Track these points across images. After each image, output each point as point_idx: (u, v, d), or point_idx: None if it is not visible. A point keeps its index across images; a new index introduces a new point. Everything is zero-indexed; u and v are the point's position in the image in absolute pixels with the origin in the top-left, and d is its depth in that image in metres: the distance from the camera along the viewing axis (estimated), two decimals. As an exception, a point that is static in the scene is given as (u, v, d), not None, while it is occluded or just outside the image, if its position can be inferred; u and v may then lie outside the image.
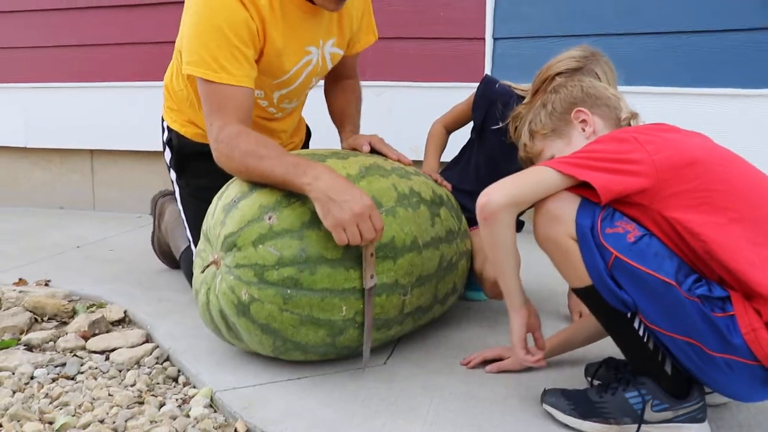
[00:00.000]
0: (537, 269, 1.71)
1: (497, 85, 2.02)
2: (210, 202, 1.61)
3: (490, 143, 2.00)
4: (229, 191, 1.54)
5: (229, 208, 1.49)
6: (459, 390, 1.50)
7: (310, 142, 2.35)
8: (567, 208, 1.31)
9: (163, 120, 2.17)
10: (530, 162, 1.58)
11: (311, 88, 2.04)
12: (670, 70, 2.72)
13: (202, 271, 1.53)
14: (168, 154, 2.16)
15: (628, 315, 1.30)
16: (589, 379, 1.53)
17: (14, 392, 1.49)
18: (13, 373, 1.59)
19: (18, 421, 1.35)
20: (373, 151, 1.80)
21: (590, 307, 1.36)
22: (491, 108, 1.98)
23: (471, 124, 2.13)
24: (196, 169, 2.05)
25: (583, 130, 1.51)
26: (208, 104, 1.66)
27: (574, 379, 1.55)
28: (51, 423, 1.37)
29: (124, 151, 3.62)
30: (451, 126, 2.16)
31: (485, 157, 2.03)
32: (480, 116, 2.02)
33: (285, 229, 1.44)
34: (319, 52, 1.87)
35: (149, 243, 2.50)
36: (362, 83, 2.20)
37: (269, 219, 1.44)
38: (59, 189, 3.80)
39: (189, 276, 1.96)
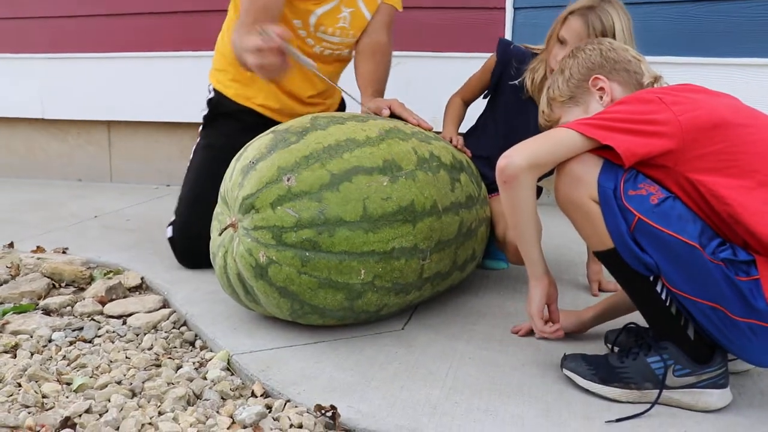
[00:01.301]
0: (556, 241, 1.69)
1: (512, 46, 2.01)
2: (217, 158, 1.78)
3: (506, 101, 1.99)
4: (248, 153, 1.51)
5: (247, 170, 1.47)
6: (478, 355, 1.48)
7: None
8: (589, 169, 1.28)
9: (210, 84, 2.21)
10: (550, 127, 1.55)
11: (348, 46, 2.08)
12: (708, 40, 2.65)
13: (220, 234, 1.52)
14: (205, 111, 2.22)
15: (651, 278, 1.27)
16: (610, 345, 1.50)
17: (32, 354, 1.48)
18: (31, 336, 1.58)
19: (36, 381, 1.35)
20: (393, 115, 1.77)
21: (612, 271, 1.34)
22: (506, 68, 1.97)
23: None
24: (219, 126, 2.16)
25: (601, 98, 1.48)
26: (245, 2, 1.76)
27: (595, 346, 1.52)
28: (68, 384, 1.36)
29: (140, 122, 3.61)
30: (468, 97, 2.12)
31: (501, 117, 2.01)
32: (496, 74, 2.00)
33: (304, 190, 1.41)
34: None
35: (166, 213, 2.49)
36: None
37: (288, 180, 1.42)
38: (76, 161, 3.80)
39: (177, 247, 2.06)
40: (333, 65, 2.13)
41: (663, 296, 1.28)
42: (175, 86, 3.41)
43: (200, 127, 2.22)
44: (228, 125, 2.12)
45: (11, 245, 2.38)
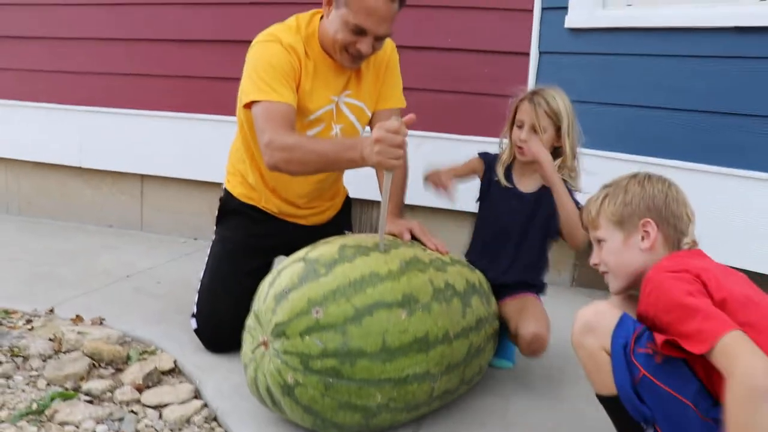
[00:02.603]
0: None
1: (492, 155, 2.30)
2: (232, 252, 2.25)
3: (490, 199, 2.24)
4: (281, 280, 1.69)
5: (280, 298, 1.64)
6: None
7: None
8: (606, 322, 1.45)
9: (223, 185, 2.45)
10: (586, 227, 1.68)
11: None
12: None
13: (252, 351, 1.69)
14: (216, 210, 2.45)
15: (644, 427, 1.43)
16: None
17: (80, 451, 1.66)
18: (78, 427, 1.76)
19: (86, 484, 1.53)
20: (413, 237, 1.94)
21: (610, 414, 1.50)
22: (491, 171, 2.24)
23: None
24: (229, 222, 2.41)
25: (642, 239, 1.55)
26: (261, 121, 1.97)
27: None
28: (114, 486, 1.54)
29: (172, 178, 3.80)
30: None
31: (487, 213, 2.26)
32: (486, 180, 2.26)
33: (330, 323, 1.59)
34: (335, 100, 2.16)
35: (194, 275, 2.68)
36: None
37: (316, 313, 1.59)
38: (109, 208, 4.01)
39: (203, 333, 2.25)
40: None
41: None
42: (206, 147, 3.61)
43: (215, 226, 2.45)
44: (238, 220, 2.36)
45: (52, 311, 2.57)
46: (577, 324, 1.49)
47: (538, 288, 2.25)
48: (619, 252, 1.58)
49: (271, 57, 2.00)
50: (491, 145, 3.18)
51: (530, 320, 2.03)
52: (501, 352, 2.27)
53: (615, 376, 1.43)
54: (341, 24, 1.98)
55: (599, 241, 1.62)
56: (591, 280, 3.26)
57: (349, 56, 2.04)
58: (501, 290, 2.17)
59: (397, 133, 1.65)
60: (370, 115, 2.26)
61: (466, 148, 3.22)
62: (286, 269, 1.73)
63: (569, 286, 3.29)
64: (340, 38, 2.00)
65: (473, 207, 3.30)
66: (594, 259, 1.65)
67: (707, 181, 2.68)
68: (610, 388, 1.44)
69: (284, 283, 1.67)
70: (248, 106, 2.02)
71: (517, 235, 2.18)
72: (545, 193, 2.12)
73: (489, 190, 2.25)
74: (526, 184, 2.19)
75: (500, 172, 2.21)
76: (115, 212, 4.00)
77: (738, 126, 2.61)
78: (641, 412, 1.41)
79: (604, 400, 1.48)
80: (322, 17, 2.11)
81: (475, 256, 2.24)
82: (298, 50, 2.05)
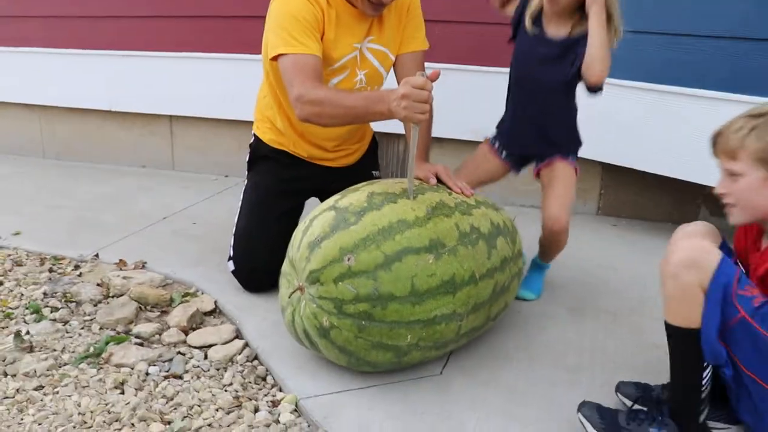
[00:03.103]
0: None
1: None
2: (263, 197, 2.35)
3: (522, 49, 2.26)
4: (313, 228, 1.78)
5: (313, 247, 1.74)
6: (501, 408, 1.75)
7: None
8: (711, 260, 1.45)
9: (252, 132, 2.51)
10: (716, 154, 1.58)
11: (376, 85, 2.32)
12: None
13: (289, 296, 1.80)
14: (247, 156, 2.52)
15: (704, 365, 1.51)
16: (619, 395, 1.76)
17: (136, 391, 1.81)
18: (132, 369, 1.91)
19: (145, 421, 1.67)
20: (439, 180, 2.01)
21: (677, 346, 1.55)
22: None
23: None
24: (260, 167, 2.48)
25: None
26: (289, 73, 2.01)
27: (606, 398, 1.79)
28: (170, 423, 1.68)
29: (201, 118, 3.88)
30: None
31: (514, 64, 2.30)
32: (515, 19, 2.27)
33: (361, 270, 1.68)
34: (359, 47, 2.20)
35: (227, 215, 2.80)
36: (428, 64, 2.36)
37: (348, 260, 1.68)
38: (142, 149, 4.12)
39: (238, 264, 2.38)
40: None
41: (704, 381, 1.51)
42: (233, 85, 3.66)
43: (246, 171, 2.52)
44: (268, 165, 2.44)
45: (97, 256, 2.71)
46: (678, 256, 1.47)
47: (572, 148, 2.29)
48: (757, 190, 1.50)
49: (294, 9, 2.03)
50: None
51: (551, 201, 2.21)
52: (526, 283, 2.37)
53: (706, 313, 1.45)
54: None
55: (733, 173, 1.53)
56: (616, 209, 3.32)
57: (371, 4, 2.06)
58: (534, 158, 2.31)
59: (423, 89, 1.70)
60: (393, 59, 2.29)
61: (488, 80, 3.25)
62: (317, 218, 1.81)
63: (595, 215, 3.35)
64: None
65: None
66: (720, 189, 1.57)
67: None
68: (691, 322, 1.47)
69: (317, 232, 1.76)
70: (275, 58, 2.06)
71: (545, 84, 2.19)
72: (573, 41, 2.10)
73: (518, 38, 2.27)
74: (555, 32, 2.15)
75: (528, 21, 2.18)
76: (148, 153, 4.11)
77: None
78: (715, 351, 1.47)
79: (676, 330, 1.51)
80: None
81: (506, 118, 2.34)
82: (320, 0, 2.07)
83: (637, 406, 1.65)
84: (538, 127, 2.24)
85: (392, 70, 2.33)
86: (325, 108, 1.94)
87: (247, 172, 2.52)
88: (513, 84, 2.31)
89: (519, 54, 2.26)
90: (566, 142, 2.27)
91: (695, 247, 1.49)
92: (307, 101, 1.95)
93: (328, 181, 2.42)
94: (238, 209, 2.44)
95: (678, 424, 1.56)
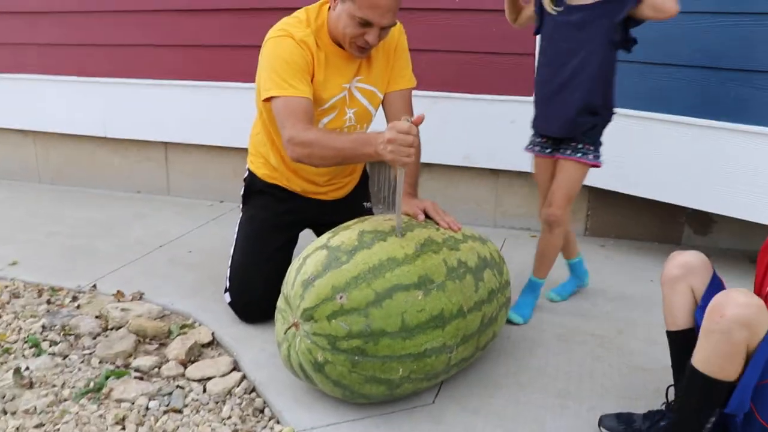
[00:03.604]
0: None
1: None
2: (259, 230, 2.41)
3: (543, 31, 2.29)
4: (306, 267, 1.84)
5: (307, 285, 1.80)
6: (494, 436, 1.82)
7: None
8: (763, 320, 1.47)
9: (246, 166, 2.58)
10: None
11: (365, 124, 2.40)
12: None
13: (285, 332, 1.86)
14: (242, 189, 2.58)
15: (717, 410, 1.55)
16: (602, 429, 1.82)
17: (137, 427, 1.86)
18: (132, 404, 1.96)
19: (146, 458, 1.73)
20: (428, 216, 2.07)
21: (696, 391, 1.56)
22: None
23: None
24: (255, 201, 2.55)
25: None
26: (281, 115, 2.09)
27: (591, 429, 1.85)
28: (170, 459, 1.74)
29: (195, 144, 3.94)
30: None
31: (543, 46, 2.30)
32: (537, 8, 2.29)
33: (353, 307, 1.74)
34: (348, 87, 2.26)
35: (222, 243, 2.88)
36: (418, 93, 2.46)
37: (340, 299, 1.74)
38: (136, 175, 4.17)
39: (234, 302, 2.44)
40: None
41: (709, 425, 1.56)
42: (226, 113, 3.73)
43: (241, 205, 2.59)
44: (263, 199, 2.50)
45: (95, 287, 2.76)
46: (734, 312, 1.46)
47: (596, 127, 2.26)
48: None
49: (285, 53, 2.11)
50: (502, 103, 3.29)
51: (551, 191, 2.30)
52: (516, 307, 2.45)
53: (751, 370, 1.48)
54: (347, 18, 2.07)
55: None
56: (604, 230, 3.39)
57: (357, 48, 2.13)
58: (556, 144, 2.32)
59: (408, 134, 1.76)
60: (381, 97, 2.35)
61: (478, 107, 3.32)
62: (310, 256, 1.87)
63: (582, 235, 3.42)
64: (348, 32, 2.09)
65: (487, 164, 3.44)
66: None
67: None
68: (726, 375, 1.50)
69: (309, 271, 1.82)
70: (267, 100, 2.13)
71: (574, 61, 2.18)
72: (600, 4, 2.12)
73: (544, 26, 2.27)
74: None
75: (548, 4, 2.21)
76: (142, 179, 4.17)
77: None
78: (744, 404, 1.50)
79: (706, 379, 1.51)
80: (330, 7, 2.18)
81: (536, 100, 2.35)
82: (310, 44, 2.14)
83: None
84: (575, 98, 2.20)
85: (380, 107, 2.40)
86: (315, 150, 2.01)
87: (242, 205, 2.58)
88: (545, 64, 2.29)
89: (551, 33, 2.25)
90: (603, 108, 2.23)
91: (751, 304, 1.47)
92: (298, 143, 2.02)
93: (322, 214, 2.49)
94: (234, 241, 2.50)
95: None
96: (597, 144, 2.28)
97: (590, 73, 2.17)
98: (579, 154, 2.26)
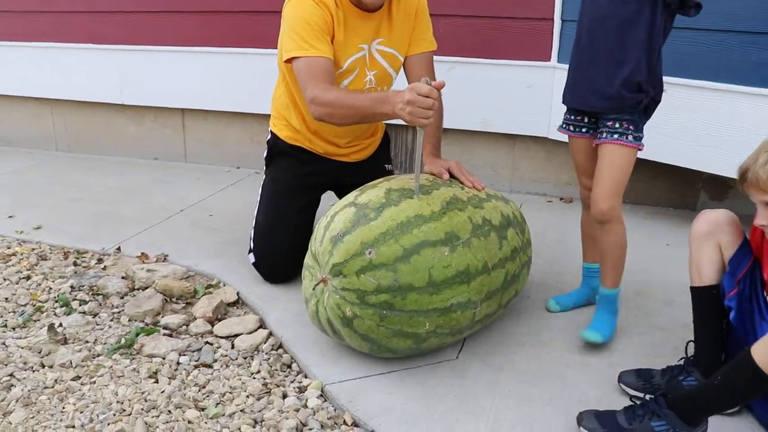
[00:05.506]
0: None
1: None
2: (282, 191, 2.44)
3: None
4: (335, 224, 1.87)
5: (336, 241, 1.83)
6: (516, 390, 1.86)
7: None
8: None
9: (269, 128, 2.60)
10: (745, 189, 1.63)
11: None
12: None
13: (313, 288, 1.90)
14: (265, 151, 2.61)
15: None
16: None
17: (169, 380, 1.91)
18: (164, 359, 2.01)
19: (181, 408, 1.78)
20: (452, 175, 2.10)
21: (748, 384, 1.50)
22: None
23: None
24: (279, 163, 2.57)
25: None
26: (302, 75, 2.12)
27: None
28: (203, 410, 1.79)
29: (212, 111, 3.96)
30: None
31: (581, 19, 2.02)
32: None
33: (382, 263, 1.78)
34: (367, 48, 2.28)
35: (243, 207, 2.89)
36: (434, 58, 2.44)
37: (369, 254, 1.78)
38: (153, 142, 4.20)
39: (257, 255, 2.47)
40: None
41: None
42: (243, 79, 3.74)
43: (264, 167, 2.62)
44: (286, 161, 2.53)
45: (119, 249, 2.81)
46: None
47: (637, 108, 1.95)
48: None
49: (305, 13, 2.13)
50: (519, 68, 3.30)
51: (594, 185, 2.00)
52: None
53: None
54: None
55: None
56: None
57: None
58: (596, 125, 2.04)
59: (428, 97, 1.78)
60: (402, 59, 2.37)
61: (495, 72, 3.33)
62: (338, 213, 1.91)
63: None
64: None
65: (504, 129, 3.45)
66: (762, 221, 1.62)
67: None
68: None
69: (338, 227, 1.86)
70: (289, 61, 2.16)
71: (619, 25, 1.90)
72: None
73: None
74: None
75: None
76: (159, 145, 4.20)
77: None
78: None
79: (759, 374, 1.47)
80: None
81: (571, 68, 2.06)
82: (329, 3, 2.16)
83: (635, 398, 1.72)
84: (618, 68, 1.92)
85: (402, 70, 2.41)
86: (336, 109, 2.04)
87: (265, 168, 2.61)
88: (585, 27, 1.98)
89: (590, 4, 1.97)
90: (648, 84, 1.93)
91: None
92: (321, 103, 2.05)
93: (344, 176, 2.52)
94: (257, 203, 2.53)
95: (677, 413, 1.63)
96: (638, 123, 1.97)
97: (636, 40, 1.88)
98: (616, 136, 1.95)
